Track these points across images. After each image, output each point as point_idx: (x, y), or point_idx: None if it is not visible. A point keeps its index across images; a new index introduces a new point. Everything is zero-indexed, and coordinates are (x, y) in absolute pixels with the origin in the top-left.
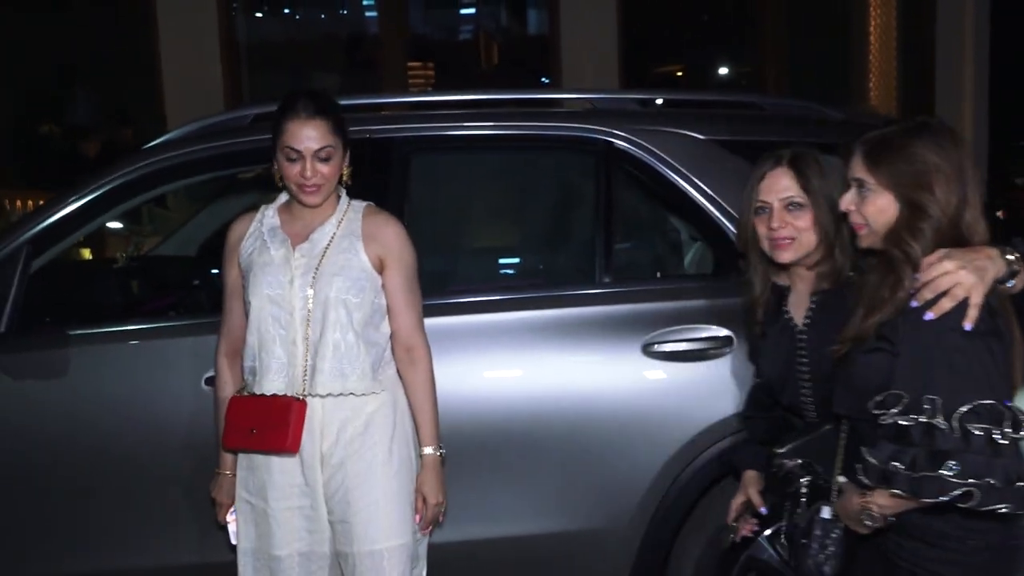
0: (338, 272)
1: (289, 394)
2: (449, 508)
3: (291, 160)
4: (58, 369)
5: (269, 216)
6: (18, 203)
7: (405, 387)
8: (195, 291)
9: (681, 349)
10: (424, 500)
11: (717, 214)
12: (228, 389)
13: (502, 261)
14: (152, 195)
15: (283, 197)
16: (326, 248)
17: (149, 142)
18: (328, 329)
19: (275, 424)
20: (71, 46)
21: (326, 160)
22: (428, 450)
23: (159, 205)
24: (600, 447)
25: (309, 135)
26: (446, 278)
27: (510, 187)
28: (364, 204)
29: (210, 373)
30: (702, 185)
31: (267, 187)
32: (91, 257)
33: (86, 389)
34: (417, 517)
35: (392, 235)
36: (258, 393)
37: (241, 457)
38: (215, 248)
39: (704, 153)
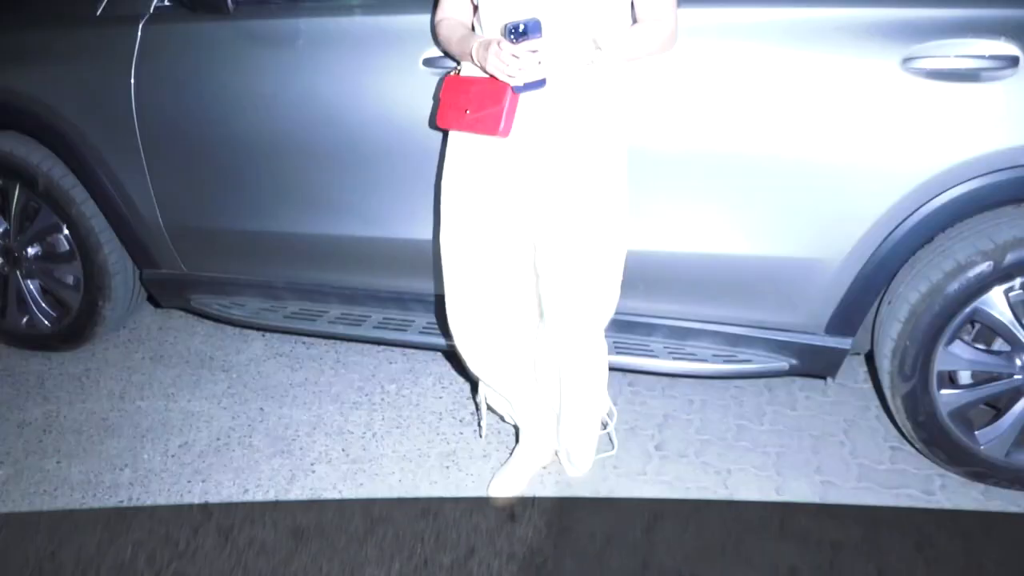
0: None
1: None
2: (657, 216)
3: None
4: (289, 36)
5: None
6: None
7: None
8: None
9: (949, 67)
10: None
11: None
12: (456, 30)
13: None
14: None
15: None
16: None
17: None
18: (555, 11)
19: (489, 107)
20: None
21: None
22: (590, 42)
23: None
24: (834, 171)
25: None
26: None
27: None
28: None
29: (427, 54)
30: None
31: None
32: None
33: (314, 58)
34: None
35: None
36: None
37: (453, 136)
38: None
39: None
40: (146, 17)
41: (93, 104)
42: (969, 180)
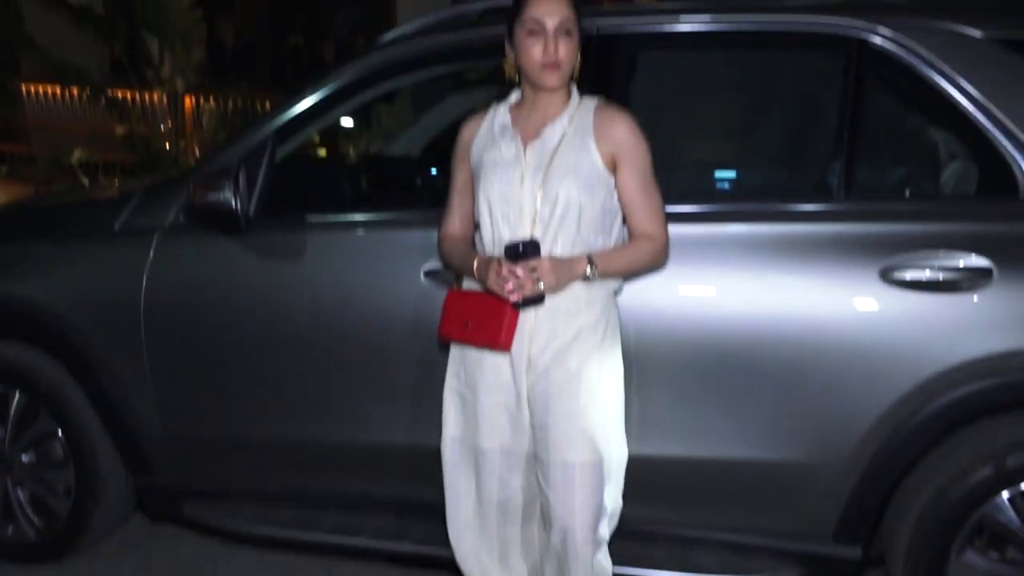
0: (569, 171)
1: None
2: (653, 422)
3: (533, 34)
4: (298, 252)
5: (500, 114)
6: (267, 105)
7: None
8: (419, 190)
9: (927, 278)
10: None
11: (989, 126)
12: (457, 246)
13: (728, 169)
14: (384, 89)
15: (515, 96)
16: (557, 146)
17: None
18: (552, 232)
19: (489, 320)
20: None
21: (567, 36)
22: (586, 261)
23: (387, 102)
24: (823, 377)
25: (552, 7)
26: (667, 185)
27: (740, 89)
28: (596, 99)
29: (428, 266)
30: (973, 92)
31: (491, 87)
32: (327, 154)
33: (320, 272)
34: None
35: (624, 131)
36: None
37: (454, 347)
38: (439, 149)
39: (980, 54)
40: (162, 231)
41: (102, 312)
42: (958, 387)
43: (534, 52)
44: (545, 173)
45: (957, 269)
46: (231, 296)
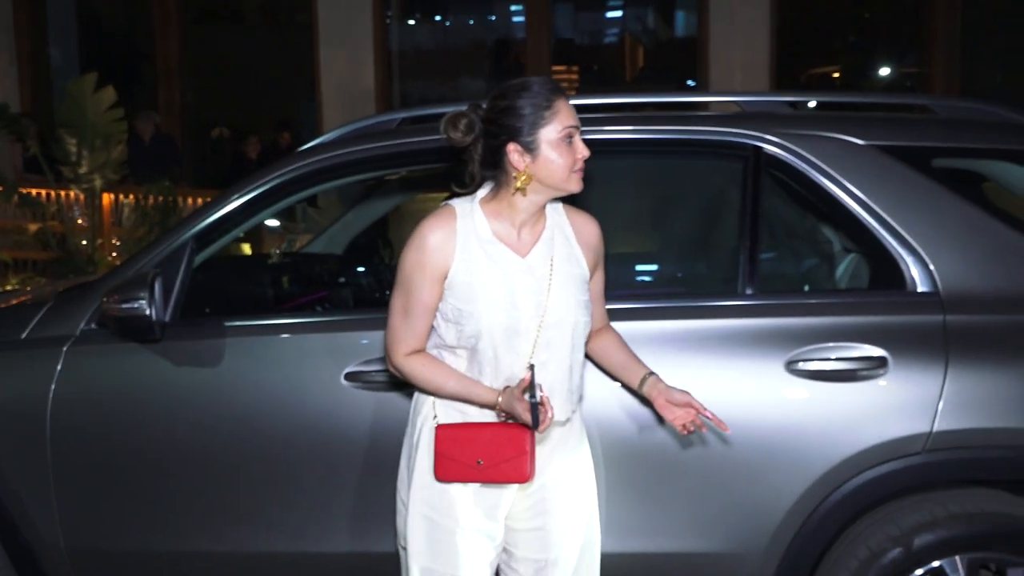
0: (568, 289)
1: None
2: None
3: (567, 140)
4: (216, 358)
5: (478, 225)
6: (189, 200)
7: (606, 344)
8: (342, 288)
9: (828, 368)
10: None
11: (875, 225)
12: (450, 373)
13: (639, 268)
14: (306, 195)
15: (480, 195)
16: (552, 262)
17: (305, 144)
18: (563, 348)
19: (508, 454)
20: (241, 55)
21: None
22: (649, 372)
23: (311, 205)
24: (736, 467)
25: (575, 114)
26: None
27: (650, 192)
28: (559, 204)
29: (350, 368)
30: (859, 194)
31: (410, 189)
32: (248, 253)
33: (240, 377)
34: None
35: (598, 237)
36: (484, 420)
37: (425, 474)
38: (361, 247)
39: (863, 160)
40: (71, 340)
41: (5, 423)
42: (862, 472)
43: (569, 157)
44: (547, 291)
45: (855, 359)
46: (144, 406)
